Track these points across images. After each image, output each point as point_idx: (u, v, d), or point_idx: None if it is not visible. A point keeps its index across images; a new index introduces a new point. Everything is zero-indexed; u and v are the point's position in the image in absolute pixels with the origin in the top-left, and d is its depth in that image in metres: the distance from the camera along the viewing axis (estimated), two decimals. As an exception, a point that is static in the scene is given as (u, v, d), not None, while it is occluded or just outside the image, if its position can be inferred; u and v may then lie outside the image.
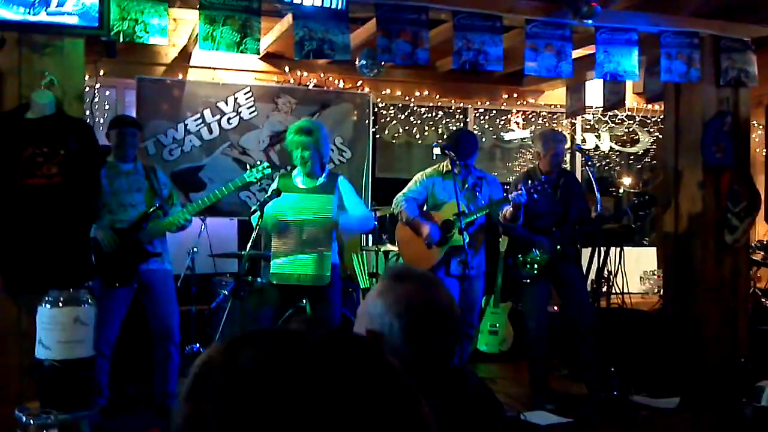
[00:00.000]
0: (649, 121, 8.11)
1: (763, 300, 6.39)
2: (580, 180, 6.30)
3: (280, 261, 4.51)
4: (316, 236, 4.50)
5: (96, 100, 6.22)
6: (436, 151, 5.12)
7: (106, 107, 6.38)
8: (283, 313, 4.75)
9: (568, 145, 7.62)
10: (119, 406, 4.52)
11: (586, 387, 5.27)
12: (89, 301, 3.39)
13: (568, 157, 7.92)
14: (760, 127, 7.78)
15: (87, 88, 5.66)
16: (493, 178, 5.41)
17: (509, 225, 5.14)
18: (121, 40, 4.34)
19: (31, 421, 1.95)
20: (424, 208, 5.24)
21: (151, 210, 4.50)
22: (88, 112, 5.75)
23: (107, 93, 6.44)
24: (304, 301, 4.70)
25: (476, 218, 5.05)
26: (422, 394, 0.73)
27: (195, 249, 5.47)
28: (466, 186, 5.08)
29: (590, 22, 5.00)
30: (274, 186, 4.61)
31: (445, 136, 5.41)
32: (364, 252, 6.82)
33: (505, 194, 5.07)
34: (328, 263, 4.51)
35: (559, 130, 7.77)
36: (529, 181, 5.00)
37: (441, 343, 1.65)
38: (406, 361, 1.59)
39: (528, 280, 5.24)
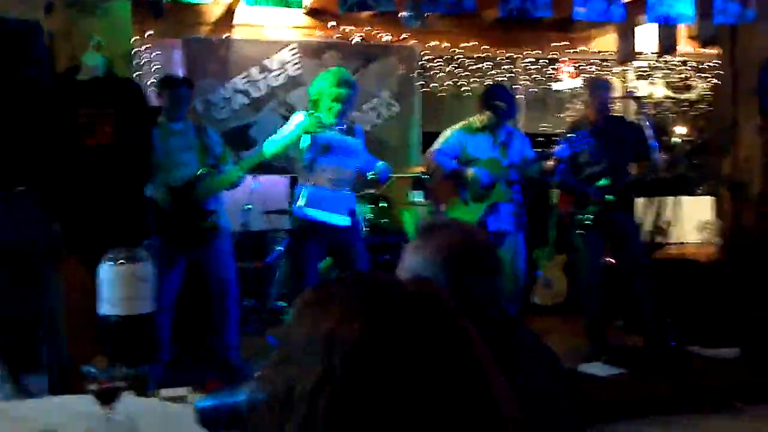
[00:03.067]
0: (704, 66, 7.86)
1: (825, 247, 6.20)
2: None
3: (313, 199, 4.41)
4: (350, 176, 4.55)
5: (144, 61, 6.26)
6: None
7: (154, 68, 6.42)
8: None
9: (617, 92, 7.46)
10: (181, 360, 4.61)
11: (642, 338, 5.22)
12: (146, 258, 3.44)
13: (621, 106, 7.74)
14: (822, 68, 7.47)
15: (135, 50, 5.69)
16: (521, 134, 5.33)
17: (553, 180, 5.10)
18: (167, -1, 4.33)
19: (100, 375, 1.99)
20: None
21: (205, 169, 4.52)
22: (136, 74, 5.79)
23: (155, 54, 6.47)
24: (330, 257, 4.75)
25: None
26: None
27: (249, 206, 5.51)
28: (498, 141, 4.99)
29: (643, -38, 4.82)
30: (306, 123, 4.39)
31: (485, 91, 5.26)
32: (415, 207, 6.79)
33: (547, 151, 4.98)
34: (351, 203, 4.59)
35: (610, 77, 7.59)
36: (571, 134, 4.92)
37: (488, 284, 1.62)
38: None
39: (582, 232, 5.17)
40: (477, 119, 5.06)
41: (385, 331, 0.67)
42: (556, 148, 4.80)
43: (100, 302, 3.20)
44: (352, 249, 4.59)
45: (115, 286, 3.31)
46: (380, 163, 4.71)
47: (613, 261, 5.77)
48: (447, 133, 5.14)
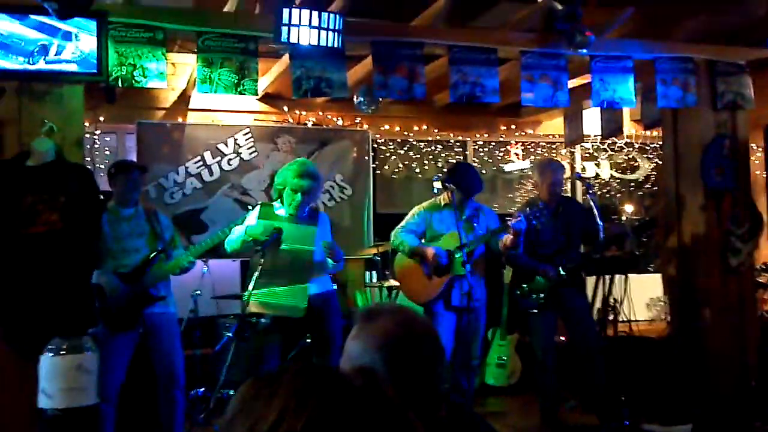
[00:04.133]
0: (648, 148, 8.13)
1: (771, 322, 6.33)
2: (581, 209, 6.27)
3: (260, 290, 4.39)
4: (294, 266, 4.44)
5: (96, 146, 6.25)
6: (437, 185, 5.11)
7: (107, 153, 6.41)
8: (286, 350, 4.67)
9: (567, 173, 7.65)
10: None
11: (597, 417, 5.21)
12: (92, 348, 3.37)
13: (568, 186, 7.93)
14: (759, 149, 7.79)
15: (87, 135, 5.69)
16: (489, 210, 5.42)
17: (511, 254, 5.14)
18: (120, 85, 4.36)
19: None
20: (422, 240, 5.21)
21: (154, 254, 4.47)
22: (88, 158, 5.78)
23: (107, 139, 6.48)
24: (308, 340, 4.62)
25: (476, 248, 5.04)
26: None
27: (198, 292, 5.44)
28: (464, 217, 5.07)
29: (585, 51, 5.03)
30: (255, 214, 4.54)
31: (444, 170, 5.41)
32: (367, 289, 6.78)
33: (504, 223, 5.05)
34: (305, 295, 4.45)
35: (558, 159, 7.80)
36: (528, 209, 5.01)
37: (427, 370, 1.61)
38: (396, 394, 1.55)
39: (534, 311, 5.21)
40: (442, 197, 5.15)
41: (327, 428, 0.67)
42: (513, 221, 4.86)
43: (40, 394, 3.12)
44: (323, 329, 4.56)
45: (56, 378, 3.23)
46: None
47: (564, 339, 5.80)
48: (414, 211, 5.28)
